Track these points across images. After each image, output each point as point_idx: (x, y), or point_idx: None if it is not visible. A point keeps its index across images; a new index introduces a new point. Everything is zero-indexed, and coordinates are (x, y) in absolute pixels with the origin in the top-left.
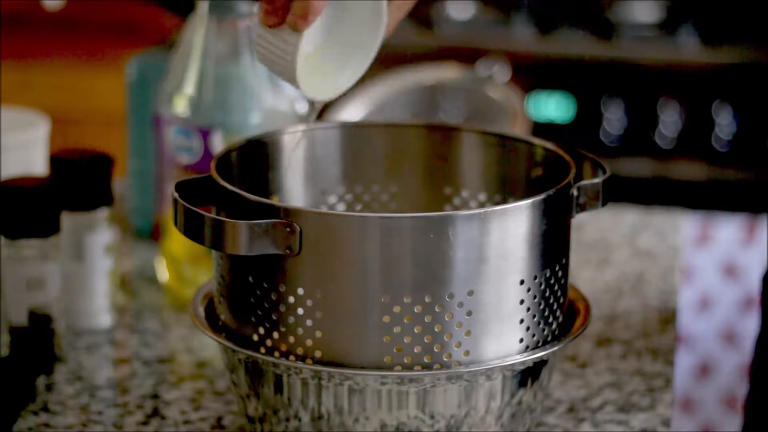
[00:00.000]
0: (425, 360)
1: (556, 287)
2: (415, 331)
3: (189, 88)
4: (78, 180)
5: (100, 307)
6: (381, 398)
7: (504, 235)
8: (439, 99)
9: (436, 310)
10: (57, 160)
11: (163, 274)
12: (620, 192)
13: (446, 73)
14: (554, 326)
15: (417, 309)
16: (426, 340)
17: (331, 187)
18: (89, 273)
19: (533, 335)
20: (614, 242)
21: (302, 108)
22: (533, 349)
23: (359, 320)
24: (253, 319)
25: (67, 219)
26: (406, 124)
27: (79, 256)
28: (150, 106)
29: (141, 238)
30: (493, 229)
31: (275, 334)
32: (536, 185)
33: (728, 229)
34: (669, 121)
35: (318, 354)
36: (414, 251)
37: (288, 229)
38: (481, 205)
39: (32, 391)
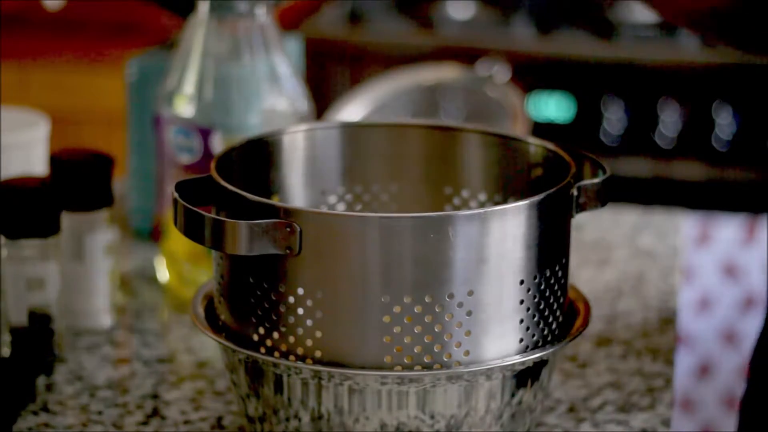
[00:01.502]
0: (425, 360)
1: (556, 287)
2: (415, 331)
3: (189, 88)
4: (78, 180)
5: (100, 307)
6: (381, 398)
7: (504, 235)
8: (439, 99)
9: (436, 310)
10: (57, 160)
11: (163, 274)
12: (620, 192)
13: (446, 73)
14: (554, 326)
15: (417, 309)
16: (426, 340)
17: (331, 187)
18: (89, 273)
19: (533, 335)
20: (614, 242)
21: (302, 108)
22: (533, 349)
23: (359, 320)
24: (253, 319)
25: (67, 219)
26: (406, 124)
27: (79, 256)
28: (150, 106)
29: (141, 238)
30: (493, 229)
31: (275, 334)
32: (536, 185)
33: (728, 229)
34: (669, 121)
35: (318, 354)
36: (414, 251)
37: (288, 229)
38: (481, 205)
39: (32, 391)
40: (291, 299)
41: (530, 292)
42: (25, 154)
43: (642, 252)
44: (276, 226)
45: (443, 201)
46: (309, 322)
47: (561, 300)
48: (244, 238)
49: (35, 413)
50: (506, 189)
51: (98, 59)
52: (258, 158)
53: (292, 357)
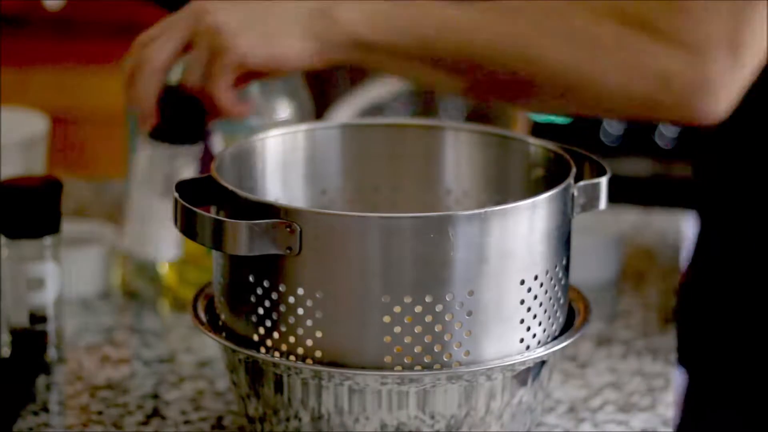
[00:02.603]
0: (425, 360)
1: (556, 287)
2: (416, 331)
3: None
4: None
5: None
6: (381, 398)
7: (504, 235)
8: (439, 99)
9: (437, 310)
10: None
11: (164, 274)
12: (620, 192)
13: None
14: (554, 326)
15: (417, 309)
16: (426, 340)
17: (331, 187)
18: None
19: (533, 335)
20: None
21: (302, 108)
22: (533, 349)
23: (359, 320)
24: (253, 319)
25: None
26: (406, 124)
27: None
28: None
29: None
30: (494, 229)
31: (275, 334)
32: (536, 185)
33: None
34: None
35: (318, 354)
36: (414, 251)
37: (288, 229)
38: (481, 205)
39: (32, 391)
40: (291, 299)
41: (531, 292)
42: (25, 154)
43: (642, 252)
44: (276, 226)
45: (443, 201)
46: (309, 322)
47: (561, 300)
48: (244, 238)
49: (35, 413)
50: (506, 189)
51: (98, 59)
52: (258, 158)
53: (292, 357)
